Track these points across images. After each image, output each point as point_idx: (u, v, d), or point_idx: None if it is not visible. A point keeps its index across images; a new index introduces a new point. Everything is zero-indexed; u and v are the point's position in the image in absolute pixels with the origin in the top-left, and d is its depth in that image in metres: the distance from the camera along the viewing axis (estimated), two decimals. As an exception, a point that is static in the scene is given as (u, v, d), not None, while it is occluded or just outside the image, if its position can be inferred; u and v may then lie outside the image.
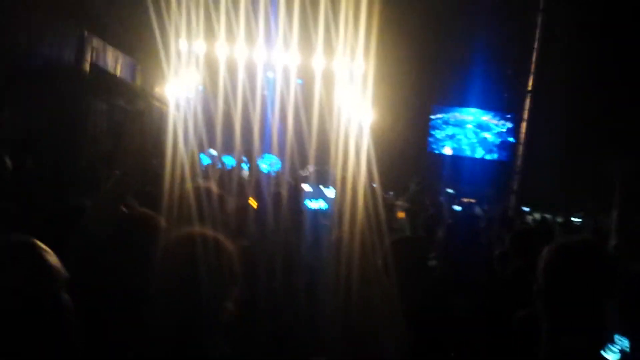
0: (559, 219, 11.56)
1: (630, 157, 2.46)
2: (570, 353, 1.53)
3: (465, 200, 12.89)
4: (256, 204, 4.46)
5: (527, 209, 13.44)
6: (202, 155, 13.97)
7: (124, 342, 1.85)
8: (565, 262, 1.59)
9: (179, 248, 1.77)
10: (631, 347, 2.00)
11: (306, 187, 2.65)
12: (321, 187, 2.62)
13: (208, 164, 13.35)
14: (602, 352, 2.03)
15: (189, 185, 3.23)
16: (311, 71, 14.83)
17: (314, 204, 2.71)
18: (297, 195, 4.92)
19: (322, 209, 2.73)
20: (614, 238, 2.37)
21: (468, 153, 21.84)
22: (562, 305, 1.57)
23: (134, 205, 3.63)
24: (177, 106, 11.72)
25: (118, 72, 13.64)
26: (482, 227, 5.86)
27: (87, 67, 11.88)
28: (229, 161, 13.08)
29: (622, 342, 2.02)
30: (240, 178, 5.69)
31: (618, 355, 1.99)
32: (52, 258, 1.80)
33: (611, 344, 2.05)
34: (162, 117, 14.00)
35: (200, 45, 14.78)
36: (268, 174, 13.38)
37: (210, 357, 1.72)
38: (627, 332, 1.90)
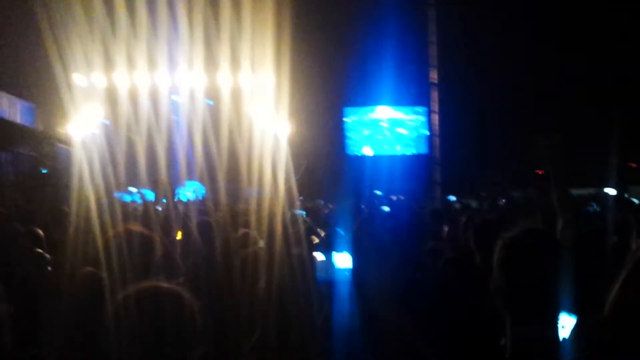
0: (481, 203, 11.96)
1: (552, 131, 2.45)
2: (531, 342, 1.55)
3: (393, 197, 13.05)
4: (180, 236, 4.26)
5: (452, 198, 13.81)
6: (124, 195, 13.51)
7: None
8: (516, 258, 1.61)
9: (136, 306, 1.60)
10: (579, 323, 2.04)
11: (318, 256, 2.47)
12: (334, 253, 2.44)
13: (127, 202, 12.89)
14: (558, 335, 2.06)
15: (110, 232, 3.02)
16: (219, 90, 14.63)
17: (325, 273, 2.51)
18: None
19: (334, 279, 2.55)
20: (560, 216, 2.38)
21: (387, 152, 22.20)
22: (521, 300, 1.58)
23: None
24: (84, 145, 11.24)
25: (17, 119, 12.95)
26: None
27: (-19, 117, 11.22)
28: (150, 195, 12.69)
29: (570, 320, 2.04)
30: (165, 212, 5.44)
31: (567, 334, 2.01)
32: None
33: (560, 324, 2.07)
34: (68, 159, 13.40)
35: (99, 77, 14.27)
36: (194, 201, 13.07)
37: None
38: (575, 309, 1.94)
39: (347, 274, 2.64)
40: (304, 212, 6.05)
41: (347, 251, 2.66)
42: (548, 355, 1.54)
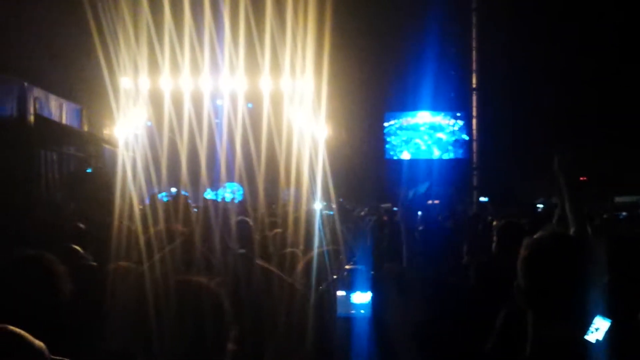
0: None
1: (568, 148, 2.56)
2: (556, 343, 1.59)
3: (429, 202, 12.94)
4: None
5: (485, 199, 13.66)
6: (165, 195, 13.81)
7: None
8: (540, 257, 1.66)
9: (167, 299, 1.66)
10: (612, 327, 2.06)
11: (339, 294, 2.52)
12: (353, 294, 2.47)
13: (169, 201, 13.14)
14: (585, 337, 2.07)
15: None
16: (260, 94, 14.81)
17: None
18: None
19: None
20: (572, 227, 2.46)
21: (425, 156, 22.10)
22: (543, 299, 1.63)
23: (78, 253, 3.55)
24: (127, 146, 11.54)
25: (63, 120, 13.35)
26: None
27: (31, 118, 11.58)
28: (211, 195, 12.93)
29: (604, 323, 2.06)
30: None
31: (600, 336, 2.04)
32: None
33: (593, 326, 2.09)
34: (113, 159, 13.75)
35: (144, 80, 14.62)
36: (231, 202, 13.28)
37: None
38: (609, 313, 1.96)
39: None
40: (332, 212, 6.12)
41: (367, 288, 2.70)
42: (570, 356, 1.57)
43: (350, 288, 2.63)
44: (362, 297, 2.62)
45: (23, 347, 1.65)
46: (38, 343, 1.62)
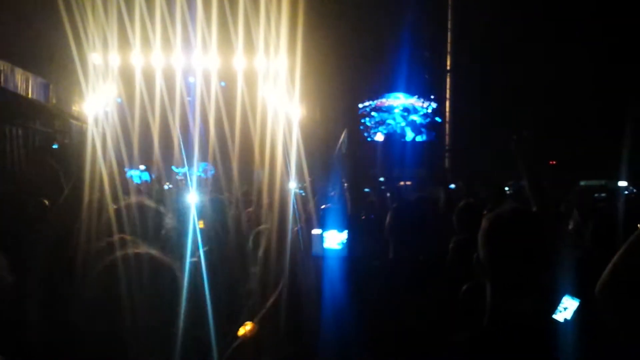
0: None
1: (525, 130, 2.71)
2: (512, 316, 1.61)
3: (401, 183, 13.03)
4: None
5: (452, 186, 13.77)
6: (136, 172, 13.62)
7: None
8: (500, 230, 1.70)
9: (116, 271, 1.65)
10: (581, 307, 2.10)
11: (314, 232, 2.54)
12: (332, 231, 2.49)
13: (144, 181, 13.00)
14: (553, 315, 2.10)
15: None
16: (233, 72, 14.61)
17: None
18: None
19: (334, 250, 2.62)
20: (534, 206, 2.59)
21: (399, 138, 22.18)
22: (503, 273, 1.66)
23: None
24: (96, 122, 11.30)
25: (30, 94, 13.01)
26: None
27: (-6, 91, 11.28)
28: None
29: (573, 303, 2.09)
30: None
31: (569, 315, 2.07)
32: None
33: (561, 305, 2.12)
34: (81, 135, 13.46)
35: (115, 57, 14.29)
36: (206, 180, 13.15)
37: None
38: (578, 293, 1.99)
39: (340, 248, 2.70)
40: (302, 191, 6.11)
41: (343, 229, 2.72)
42: (526, 328, 1.59)
43: (325, 228, 2.65)
44: (338, 237, 2.63)
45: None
46: None
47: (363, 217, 5.18)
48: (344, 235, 2.74)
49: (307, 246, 2.72)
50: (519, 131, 2.69)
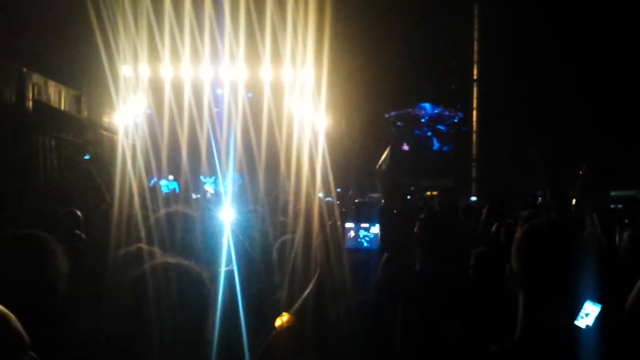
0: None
1: (545, 140, 2.72)
2: (545, 328, 1.62)
3: (428, 194, 12.97)
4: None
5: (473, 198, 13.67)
6: (167, 182, 13.83)
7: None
8: (532, 241, 1.70)
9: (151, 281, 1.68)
10: (603, 312, 2.10)
11: (348, 225, 2.64)
12: (364, 225, 2.56)
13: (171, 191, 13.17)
14: (575, 322, 2.10)
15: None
16: (260, 83, 14.74)
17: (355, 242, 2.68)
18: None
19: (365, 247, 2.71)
20: (555, 214, 2.59)
21: (425, 147, 22.11)
22: (537, 284, 1.66)
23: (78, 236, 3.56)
24: (126, 133, 11.52)
25: (62, 106, 13.33)
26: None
27: (29, 104, 11.57)
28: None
29: (594, 309, 2.09)
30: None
31: (590, 321, 2.07)
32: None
33: (583, 312, 2.12)
34: (113, 146, 13.72)
35: (145, 69, 14.56)
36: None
37: None
38: (600, 299, 1.99)
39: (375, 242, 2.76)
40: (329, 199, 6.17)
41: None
42: (559, 342, 1.60)
43: (358, 221, 2.71)
44: (370, 230, 2.68)
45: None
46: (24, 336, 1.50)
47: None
48: (375, 229, 2.81)
49: (340, 239, 2.79)
50: (539, 142, 2.70)
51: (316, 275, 2.58)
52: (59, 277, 2.12)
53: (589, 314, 1.83)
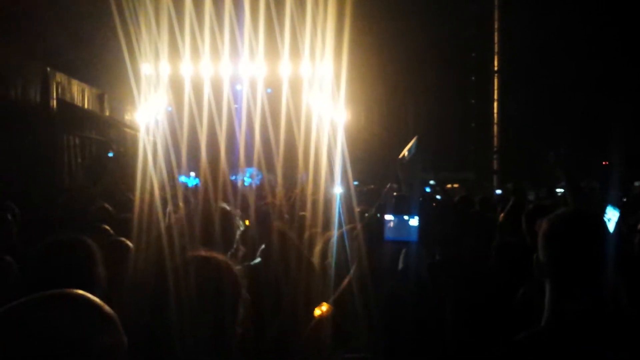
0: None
1: (562, 144, 2.84)
2: (571, 316, 1.65)
3: (449, 186, 12.94)
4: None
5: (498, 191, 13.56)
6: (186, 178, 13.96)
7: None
8: (560, 231, 1.74)
9: (186, 271, 1.71)
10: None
11: (387, 217, 2.69)
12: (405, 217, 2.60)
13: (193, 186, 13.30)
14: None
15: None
16: (279, 79, 14.77)
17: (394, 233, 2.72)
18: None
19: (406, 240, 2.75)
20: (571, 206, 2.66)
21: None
22: (564, 273, 1.69)
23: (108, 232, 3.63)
24: (148, 130, 11.65)
25: (85, 105, 13.53)
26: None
27: (53, 103, 11.77)
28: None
29: (614, 213, 2.17)
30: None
31: (612, 226, 2.12)
32: None
33: (605, 217, 2.17)
34: (135, 143, 13.88)
35: (165, 66, 14.68)
36: (249, 186, 13.37)
37: None
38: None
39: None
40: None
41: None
42: (584, 330, 1.62)
43: (398, 213, 2.75)
44: (410, 222, 2.72)
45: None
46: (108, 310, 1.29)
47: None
48: (415, 221, 2.85)
49: (379, 231, 2.83)
50: (556, 148, 2.85)
51: (354, 266, 2.62)
52: (98, 280, 2.18)
53: (610, 219, 1.89)
